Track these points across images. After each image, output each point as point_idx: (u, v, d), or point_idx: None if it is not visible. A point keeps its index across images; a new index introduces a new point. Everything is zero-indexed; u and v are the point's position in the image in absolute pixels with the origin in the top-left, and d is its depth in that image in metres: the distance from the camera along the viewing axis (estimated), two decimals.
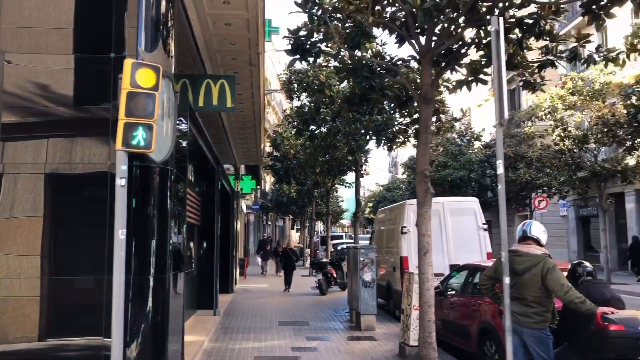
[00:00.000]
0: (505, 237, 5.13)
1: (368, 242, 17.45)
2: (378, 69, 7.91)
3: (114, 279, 4.62)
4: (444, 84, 9.15)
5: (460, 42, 7.40)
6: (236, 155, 19.44)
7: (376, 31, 7.66)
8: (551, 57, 7.33)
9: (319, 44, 7.62)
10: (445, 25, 7.05)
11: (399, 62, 8.17)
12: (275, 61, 45.46)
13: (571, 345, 5.37)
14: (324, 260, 19.60)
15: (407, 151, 39.21)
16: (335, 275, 17.86)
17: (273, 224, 52.39)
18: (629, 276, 21.82)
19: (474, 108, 38.81)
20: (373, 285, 10.51)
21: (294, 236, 51.76)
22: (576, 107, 20.50)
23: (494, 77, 5.29)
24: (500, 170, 5.24)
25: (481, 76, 7.54)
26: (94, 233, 5.19)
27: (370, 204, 56.25)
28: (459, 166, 26.79)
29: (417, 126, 8.49)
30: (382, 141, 14.65)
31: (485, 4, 6.66)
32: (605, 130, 19.23)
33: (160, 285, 5.39)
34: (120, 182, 4.68)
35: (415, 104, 8.32)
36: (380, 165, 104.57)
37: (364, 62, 7.74)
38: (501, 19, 5.29)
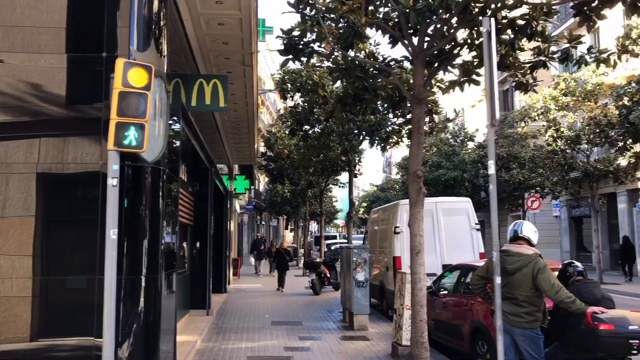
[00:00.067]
0: (496, 237, 5.16)
1: (362, 242, 17.48)
2: (371, 69, 7.92)
3: (105, 278, 4.62)
4: (437, 84, 9.18)
5: (452, 43, 7.43)
6: (230, 155, 19.42)
7: (369, 32, 7.69)
8: (543, 58, 7.37)
9: (312, 44, 7.63)
10: (438, 26, 7.07)
11: (392, 63, 8.18)
12: (270, 61, 45.45)
13: (561, 344, 5.41)
14: (318, 260, 19.61)
15: (401, 151, 39.30)
16: (328, 275, 17.87)
17: (267, 224, 52.36)
18: (620, 276, 21.95)
19: (468, 108, 38.92)
20: (366, 285, 10.53)
21: (288, 236, 51.75)
22: (569, 108, 20.63)
23: (485, 78, 5.32)
24: (492, 170, 5.27)
25: (473, 77, 7.57)
26: (85, 233, 5.18)
27: (365, 204, 56.28)
28: (453, 166, 26.87)
29: (410, 126, 8.50)
30: (376, 141, 14.65)
31: (477, 4, 6.69)
32: (597, 130, 19.36)
33: (152, 285, 5.38)
34: (112, 181, 4.67)
35: (409, 105, 8.35)
36: (375, 166, 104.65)
37: (357, 62, 7.75)
38: (492, 20, 5.32)
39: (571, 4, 6.89)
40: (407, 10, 6.41)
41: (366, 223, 19.89)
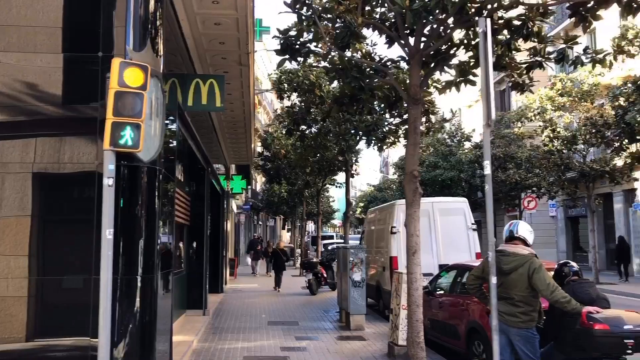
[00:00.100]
0: (492, 237, 5.17)
1: (359, 242, 17.49)
2: (368, 69, 7.93)
3: (101, 278, 4.61)
4: (433, 84, 9.20)
5: (449, 43, 7.44)
6: (226, 155, 19.41)
7: (366, 32, 7.70)
8: (539, 59, 7.39)
9: (308, 44, 7.63)
10: (434, 26, 7.08)
11: (389, 63, 8.20)
12: (267, 60, 45.41)
13: (557, 344, 5.43)
14: (315, 260, 19.62)
15: (398, 151, 39.36)
16: (325, 275, 17.88)
17: (264, 224, 52.32)
18: (616, 276, 22.01)
19: (464, 109, 38.97)
20: (362, 285, 10.54)
21: (285, 236, 51.74)
22: (565, 108, 20.68)
23: (481, 79, 5.33)
24: (488, 170, 5.28)
25: (470, 77, 7.58)
26: (81, 233, 5.17)
27: (362, 204, 56.31)
28: (449, 166, 26.91)
29: (407, 126, 8.51)
30: (373, 141, 14.68)
31: (473, 5, 6.70)
32: (593, 131, 19.42)
33: (148, 285, 5.37)
34: (108, 181, 4.66)
35: (405, 105, 8.36)
36: (372, 165, 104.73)
37: (353, 62, 7.76)
38: (488, 20, 5.33)
39: (567, 4, 6.91)
40: (404, 11, 6.42)
41: (363, 223, 19.90)
